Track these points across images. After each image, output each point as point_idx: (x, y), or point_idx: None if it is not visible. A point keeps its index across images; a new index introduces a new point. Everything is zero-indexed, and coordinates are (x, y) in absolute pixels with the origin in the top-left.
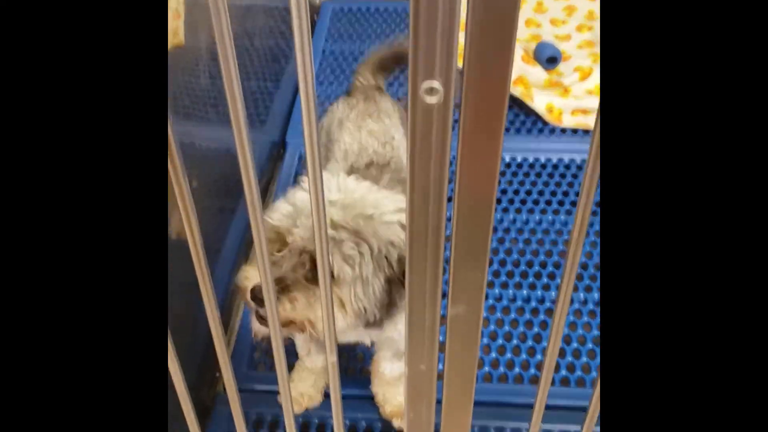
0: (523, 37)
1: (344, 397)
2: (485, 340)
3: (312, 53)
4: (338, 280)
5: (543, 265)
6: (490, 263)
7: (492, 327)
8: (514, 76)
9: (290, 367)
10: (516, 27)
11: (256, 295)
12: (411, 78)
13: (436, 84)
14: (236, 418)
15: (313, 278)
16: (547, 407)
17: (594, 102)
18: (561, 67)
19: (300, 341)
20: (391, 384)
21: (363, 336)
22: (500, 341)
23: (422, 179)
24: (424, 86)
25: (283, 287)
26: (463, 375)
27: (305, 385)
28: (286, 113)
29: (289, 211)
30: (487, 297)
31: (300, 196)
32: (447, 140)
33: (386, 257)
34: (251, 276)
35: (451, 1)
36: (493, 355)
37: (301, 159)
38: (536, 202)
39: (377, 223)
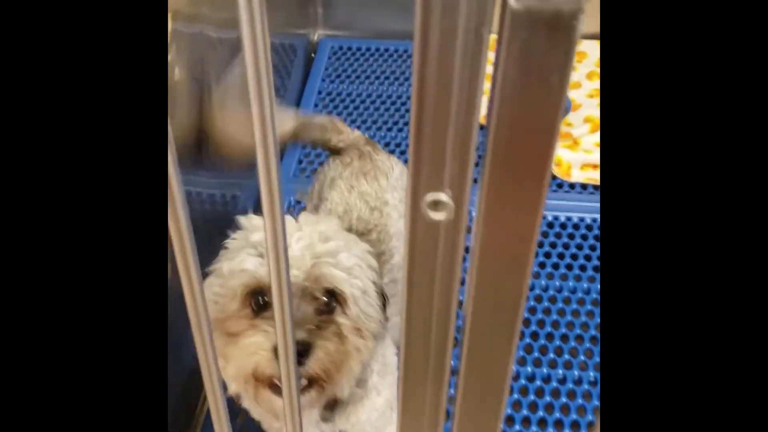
0: None
1: None
2: None
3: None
4: (345, 301)
5: (549, 338)
6: None
7: None
8: None
9: None
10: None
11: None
12: (411, 186)
13: (443, 197)
14: None
15: (333, 320)
16: None
17: None
18: (570, 117)
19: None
20: None
21: None
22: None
23: (421, 311)
24: (427, 199)
25: (301, 350)
26: None
27: None
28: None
29: (258, 255)
30: None
31: (257, 237)
32: (457, 265)
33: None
34: (255, 343)
35: (471, 82)
36: None
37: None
38: (542, 265)
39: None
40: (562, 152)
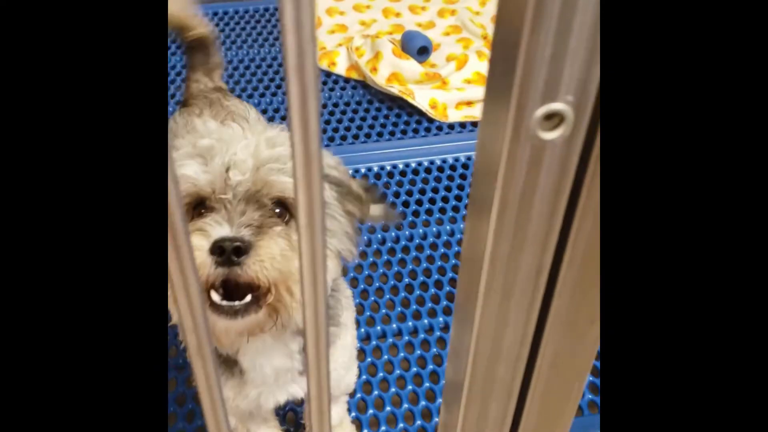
0: (385, 30)
1: None
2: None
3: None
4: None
5: (439, 286)
6: (394, 290)
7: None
8: (387, 72)
9: None
10: None
11: (227, 247)
12: (517, 97)
13: (563, 107)
14: None
15: (280, 223)
16: None
17: (476, 92)
18: (433, 57)
19: (234, 420)
20: None
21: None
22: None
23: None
24: (540, 112)
25: (242, 246)
26: None
27: None
28: None
29: (198, 163)
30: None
31: (205, 143)
32: (563, 195)
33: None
34: (198, 245)
35: None
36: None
37: None
38: (430, 212)
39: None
40: (435, 93)
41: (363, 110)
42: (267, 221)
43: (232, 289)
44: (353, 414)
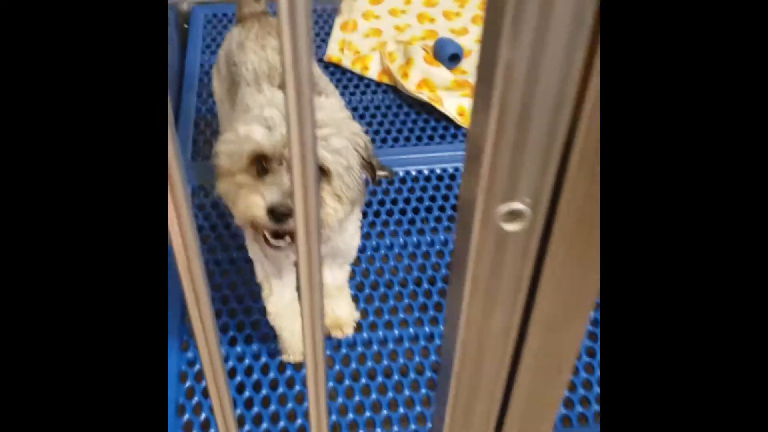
0: (418, 35)
1: None
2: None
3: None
4: (330, 175)
5: (444, 294)
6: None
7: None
8: (417, 78)
9: None
10: None
11: (278, 212)
12: (483, 195)
13: (520, 206)
14: None
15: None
16: None
17: None
18: (464, 64)
19: (262, 276)
20: (332, 295)
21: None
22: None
23: (481, 326)
24: (502, 209)
25: (286, 211)
26: None
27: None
28: None
29: (266, 128)
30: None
31: (268, 113)
32: (524, 280)
33: (356, 148)
34: (255, 202)
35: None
36: None
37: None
38: (452, 219)
39: (340, 117)
40: (463, 101)
41: (392, 114)
42: None
43: (279, 233)
44: (351, 415)
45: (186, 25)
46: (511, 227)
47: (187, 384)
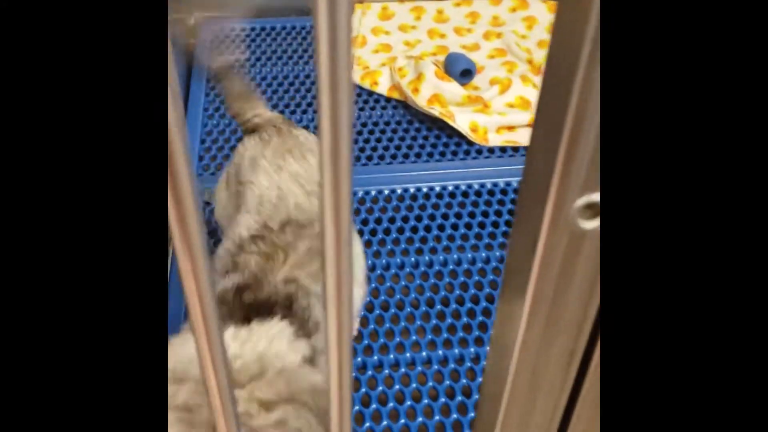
0: (429, 51)
1: None
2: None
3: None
4: None
5: (471, 315)
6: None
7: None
8: (428, 93)
9: None
10: None
11: None
12: (556, 189)
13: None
14: None
15: None
16: None
17: (518, 116)
18: (476, 80)
19: None
20: None
21: None
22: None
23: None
24: (578, 203)
25: None
26: None
27: None
28: None
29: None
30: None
31: None
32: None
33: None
34: None
35: None
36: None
37: None
38: (465, 238)
39: (292, 375)
40: (475, 117)
41: (402, 130)
42: None
43: None
44: None
45: (193, 41)
46: (589, 225)
47: None
